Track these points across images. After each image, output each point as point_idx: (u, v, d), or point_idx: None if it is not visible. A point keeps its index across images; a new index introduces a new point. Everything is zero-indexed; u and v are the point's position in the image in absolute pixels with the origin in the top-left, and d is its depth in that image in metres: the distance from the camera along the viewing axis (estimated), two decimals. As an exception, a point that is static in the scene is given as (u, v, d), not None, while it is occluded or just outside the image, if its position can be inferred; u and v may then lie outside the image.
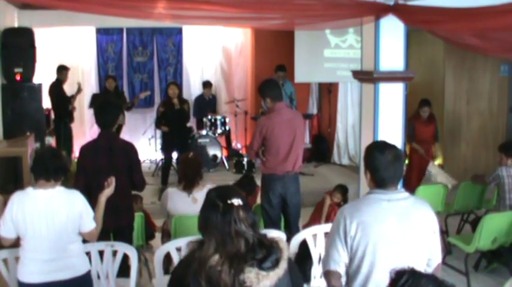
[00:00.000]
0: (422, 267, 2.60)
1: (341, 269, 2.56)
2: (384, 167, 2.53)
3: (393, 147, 2.62)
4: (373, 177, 2.57)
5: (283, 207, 4.83)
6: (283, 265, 1.95)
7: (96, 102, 8.27)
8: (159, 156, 8.84)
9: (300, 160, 4.84)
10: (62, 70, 8.36)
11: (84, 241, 3.35)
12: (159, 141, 8.97)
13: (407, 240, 2.52)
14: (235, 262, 1.89)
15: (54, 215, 3.11)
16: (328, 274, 2.57)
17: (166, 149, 7.93)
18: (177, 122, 7.76)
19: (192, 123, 9.39)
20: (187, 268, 1.94)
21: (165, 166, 7.83)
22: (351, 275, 2.58)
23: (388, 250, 2.49)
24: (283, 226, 4.93)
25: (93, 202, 3.36)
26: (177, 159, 7.93)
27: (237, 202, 1.98)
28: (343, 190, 5.76)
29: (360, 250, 2.49)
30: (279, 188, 4.75)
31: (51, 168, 3.14)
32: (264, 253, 1.93)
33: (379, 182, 2.56)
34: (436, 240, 2.64)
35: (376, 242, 2.48)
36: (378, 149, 2.59)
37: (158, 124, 8.08)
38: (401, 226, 2.50)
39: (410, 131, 7.02)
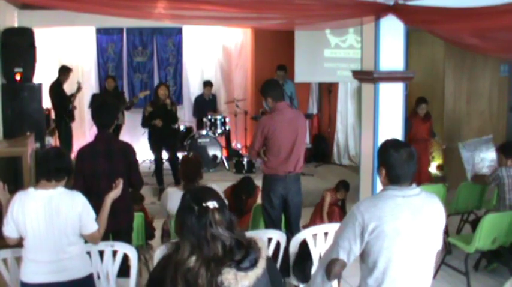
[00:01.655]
0: (433, 259, 2.68)
1: (348, 260, 2.59)
2: (399, 165, 2.60)
3: (407, 145, 2.73)
4: (388, 174, 2.64)
5: (284, 207, 4.83)
6: (261, 264, 1.94)
7: (95, 102, 8.27)
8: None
9: (301, 160, 4.83)
10: (65, 71, 8.35)
11: (87, 243, 3.34)
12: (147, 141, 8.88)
13: (421, 234, 2.58)
14: (212, 265, 1.87)
15: (53, 216, 3.09)
16: (334, 261, 2.59)
17: (154, 150, 7.80)
18: (167, 123, 7.70)
19: (192, 123, 9.40)
20: (164, 271, 1.92)
21: (157, 166, 7.77)
22: (368, 271, 2.62)
23: (404, 245, 2.54)
24: (284, 226, 4.93)
25: (92, 205, 3.35)
26: (168, 159, 7.88)
27: (212, 204, 1.95)
28: (346, 186, 5.80)
29: (377, 245, 2.54)
30: (281, 189, 4.74)
31: (53, 168, 3.13)
32: (242, 254, 1.92)
33: (394, 179, 2.63)
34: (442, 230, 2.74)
35: (393, 238, 2.53)
36: (393, 147, 2.66)
37: (146, 123, 7.79)
38: (416, 221, 2.57)
39: (408, 129, 7.04)
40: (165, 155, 7.86)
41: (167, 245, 2.02)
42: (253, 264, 1.92)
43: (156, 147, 7.74)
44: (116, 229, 4.02)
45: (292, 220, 4.84)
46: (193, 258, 1.89)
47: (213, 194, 2.02)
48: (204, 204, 1.95)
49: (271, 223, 4.76)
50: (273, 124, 4.65)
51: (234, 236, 1.95)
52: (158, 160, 7.76)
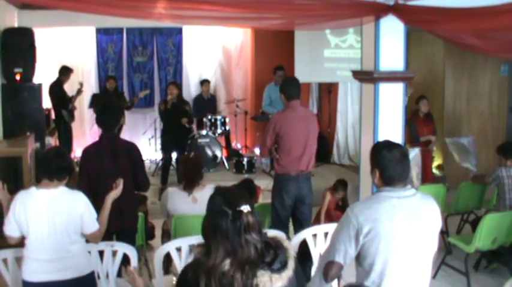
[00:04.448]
0: (430, 260, 2.67)
1: (344, 262, 2.59)
2: (393, 166, 2.59)
3: (400, 145, 2.71)
4: (382, 175, 2.62)
5: (296, 207, 4.77)
6: (291, 265, 1.94)
7: (96, 102, 8.28)
8: (159, 156, 8.87)
9: (313, 160, 4.80)
10: (65, 72, 8.35)
11: (88, 242, 3.34)
12: (158, 141, 9.05)
13: (418, 236, 2.57)
14: (246, 268, 1.86)
15: (55, 216, 3.10)
16: (331, 264, 2.59)
17: (165, 148, 7.96)
18: (172, 122, 7.76)
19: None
20: (196, 277, 1.90)
21: (164, 165, 7.85)
22: (365, 273, 2.61)
23: (400, 246, 2.53)
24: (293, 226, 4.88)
25: (97, 204, 3.35)
26: (177, 159, 7.95)
27: (246, 209, 1.92)
28: (344, 185, 5.78)
29: (373, 248, 2.53)
30: (293, 188, 4.69)
31: (54, 168, 3.14)
32: (272, 255, 1.91)
33: (388, 180, 2.61)
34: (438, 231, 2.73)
35: (389, 239, 2.51)
36: (385, 148, 2.64)
37: (163, 119, 8.14)
38: (412, 222, 2.56)
39: (414, 131, 7.02)
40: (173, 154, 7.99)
41: (195, 248, 1.99)
42: (284, 265, 1.91)
43: (168, 147, 7.82)
44: (120, 229, 4.00)
45: (304, 219, 4.77)
46: (228, 262, 1.87)
47: (244, 197, 1.99)
48: (237, 208, 1.92)
49: (279, 224, 4.70)
50: (284, 121, 4.63)
51: (263, 239, 1.94)
52: (167, 159, 7.82)
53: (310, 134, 4.73)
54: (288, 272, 1.91)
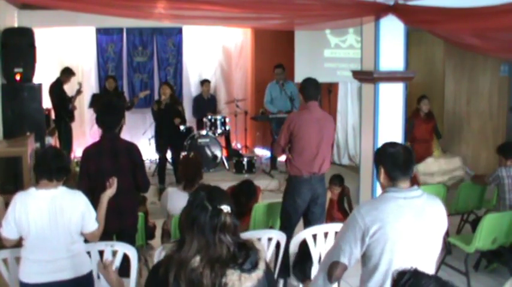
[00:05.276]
0: (434, 261, 2.68)
1: (349, 264, 2.60)
2: (398, 160, 2.62)
3: (403, 144, 2.79)
4: (387, 172, 2.64)
5: (308, 208, 4.73)
6: (262, 266, 1.95)
7: (96, 102, 8.28)
8: (157, 156, 8.88)
9: (327, 162, 4.73)
10: (67, 74, 8.34)
11: (86, 241, 3.34)
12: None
13: (423, 236, 2.58)
14: (216, 266, 1.88)
15: (57, 216, 3.11)
16: (335, 265, 2.60)
17: (159, 149, 7.96)
18: (164, 121, 7.78)
19: (192, 123, 9.40)
20: (167, 271, 1.91)
21: (160, 165, 7.87)
22: (368, 274, 2.62)
23: (406, 246, 2.54)
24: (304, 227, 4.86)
25: (97, 204, 3.36)
26: (172, 158, 7.94)
27: (226, 209, 1.95)
28: (339, 180, 5.75)
29: (379, 248, 2.54)
30: (306, 191, 4.65)
31: (54, 168, 3.15)
32: (243, 256, 1.93)
33: (393, 177, 2.62)
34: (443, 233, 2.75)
35: (395, 240, 2.52)
36: (390, 146, 2.70)
37: (155, 119, 8.14)
38: (418, 223, 2.57)
39: (410, 129, 7.03)
40: (167, 154, 7.95)
41: (167, 246, 2.01)
42: (254, 266, 1.93)
43: (162, 146, 7.83)
44: (120, 229, 4.00)
45: (314, 220, 4.70)
46: (198, 258, 1.89)
47: (227, 198, 2.01)
48: (218, 206, 1.94)
49: (289, 227, 4.64)
50: (299, 121, 4.62)
51: (236, 240, 1.96)
52: (162, 159, 7.83)
53: (324, 136, 4.67)
54: (258, 272, 1.93)
